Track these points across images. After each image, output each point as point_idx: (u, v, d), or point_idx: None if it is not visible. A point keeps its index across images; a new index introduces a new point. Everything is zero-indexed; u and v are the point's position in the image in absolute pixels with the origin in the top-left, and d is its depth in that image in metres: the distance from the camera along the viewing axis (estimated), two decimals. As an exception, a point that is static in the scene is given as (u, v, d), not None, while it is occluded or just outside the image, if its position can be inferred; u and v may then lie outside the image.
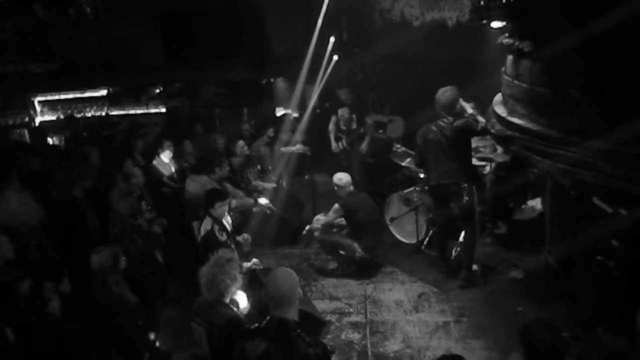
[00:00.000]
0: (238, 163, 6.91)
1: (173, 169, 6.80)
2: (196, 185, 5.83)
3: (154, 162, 6.78)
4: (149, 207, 5.35)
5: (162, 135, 7.67)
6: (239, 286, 3.48)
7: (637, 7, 2.86)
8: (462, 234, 5.92)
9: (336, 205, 5.72)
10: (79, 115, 9.60)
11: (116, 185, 5.22)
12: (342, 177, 5.82)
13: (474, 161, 6.28)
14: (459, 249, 5.87)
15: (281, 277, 2.81)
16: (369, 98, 8.53)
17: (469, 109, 5.12)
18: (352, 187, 5.83)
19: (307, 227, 5.94)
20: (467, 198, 5.15)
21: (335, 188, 5.81)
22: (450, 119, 5.09)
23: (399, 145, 7.22)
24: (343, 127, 7.57)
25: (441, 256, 5.73)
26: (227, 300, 3.35)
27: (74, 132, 8.47)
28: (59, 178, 5.60)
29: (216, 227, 4.72)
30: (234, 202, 5.72)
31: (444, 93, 5.13)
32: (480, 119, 4.94)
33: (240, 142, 7.03)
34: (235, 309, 3.41)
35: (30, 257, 4.34)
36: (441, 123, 5.12)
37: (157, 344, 4.16)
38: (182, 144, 7.21)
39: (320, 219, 6.02)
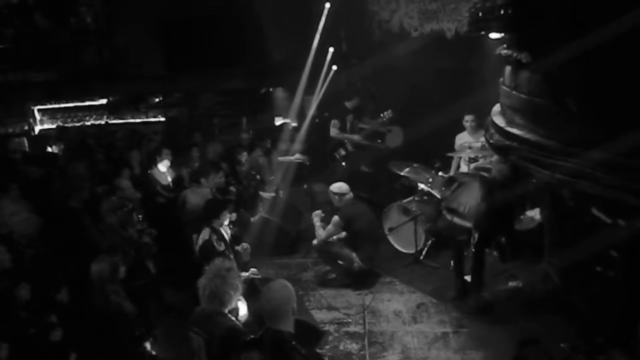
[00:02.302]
0: (243, 172, 6.93)
1: (169, 179, 6.79)
2: (197, 197, 5.82)
3: (151, 171, 6.78)
4: (140, 218, 5.34)
5: (162, 144, 7.68)
6: (240, 295, 3.46)
7: (634, 19, 2.88)
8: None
9: (335, 218, 5.68)
10: (78, 124, 9.63)
11: (106, 197, 5.22)
12: (341, 186, 5.80)
13: (472, 169, 6.32)
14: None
15: (275, 290, 2.79)
16: (368, 108, 8.56)
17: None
18: (351, 195, 5.82)
19: (314, 242, 5.91)
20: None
21: (336, 197, 5.78)
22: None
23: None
24: (350, 135, 7.59)
25: (458, 272, 5.51)
26: (227, 310, 3.33)
27: (67, 142, 8.48)
28: (57, 187, 5.61)
29: (214, 237, 4.71)
30: (233, 215, 5.72)
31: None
32: None
33: (244, 152, 7.10)
34: (234, 319, 3.39)
35: (27, 266, 4.32)
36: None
37: (154, 353, 4.13)
38: (186, 151, 7.24)
39: (319, 213, 5.99)
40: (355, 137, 7.56)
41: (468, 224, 5.23)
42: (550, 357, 2.75)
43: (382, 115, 7.53)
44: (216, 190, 6.26)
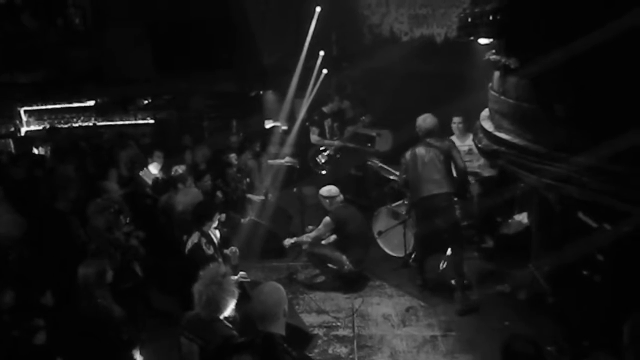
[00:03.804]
0: (232, 175, 6.89)
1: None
2: (187, 198, 5.77)
3: (141, 173, 6.72)
4: (127, 220, 5.29)
5: (153, 146, 7.63)
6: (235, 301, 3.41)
7: (620, 26, 2.92)
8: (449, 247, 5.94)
9: (327, 219, 5.69)
10: (65, 126, 9.54)
11: (92, 199, 5.16)
12: (330, 189, 5.81)
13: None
14: (446, 262, 5.88)
15: (266, 292, 2.78)
16: (357, 112, 8.58)
17: None
18: (341, 197, 5.82)
19: (294, 240, 5.91)
20: (459, 211, 5.28)
21: (327, 201, 5.78)
22: (437, 140, 5.31)
23: (376, 161, 7.25)
24: (329, 140, 7.56)
25: (420, 270, 5.71)
26: (222, 316, 3.28)
27: (56, 143, 8.39)
28: (44, 189, 5.53)
29: (203, 241, 4.67)
30: (223, 216, 5.69)
31: (425, 120, 5.37)
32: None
33: (233, 155, 7.07)
34: (229, 325, 3.33)
35: (10, 269, 4.26)
36: (431, 142, 5.29)
37: (142, 358, 4.08)
38: (176, 153, 7.20)
39: (311, 229, 5.99)
40: (336, 142, 7.52)
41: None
42: (536, 347, 2.78)
43: (361, 119, 7.57)
44: (202, 193, 6.22)
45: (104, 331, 3.72)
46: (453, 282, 5.48)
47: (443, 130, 6.73)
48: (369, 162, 7.21)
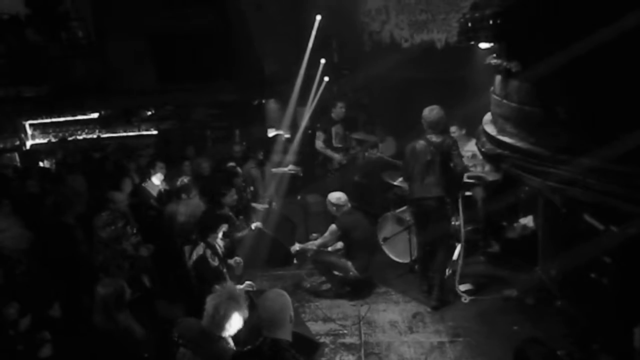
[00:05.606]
0: (237, 184, 6.91)
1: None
2: (188, 209, 5.78)
3: (144, 184, 6.75)
4: (134, 231, 5.30)
5: (155, 157, 7.66)
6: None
7: (620, 28, 2.93)
8: (456, 251, 5.91)
9: (333, 226, 5.67)
10: (70, 138, 9.61)
11: (99, 211, 5.16)
12: (339, 197, 5.78)
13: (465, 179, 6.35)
14: (451, 269, 5.85)
15: (271, 298, 2.79)
16: (360, 118, 8.60)
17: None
18: (349, 205, 5.81)
19: (298, 247, 5.90)
20: (455, 219, 5.27)
21: (334, 208, 5.76)
22: (439, 136, 5.20)
23: (374, 151, 7.33)
24: (338, 145, 7.52)
25: (423, 275, 5.69)
26: (225, 334, 3.22)
27: (65, 155, 8.44)
28: (50, 203, 5.56)
29: (208, 252, 4.67)
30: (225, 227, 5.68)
31: (431, 111, 5.26)
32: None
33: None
34: (230, 342, 3.26)
35: (17, 282, 4.28)
36: (430, 139, 5.22)
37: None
38: (178, 164, 7.22)
39: (315, 237, 5.98)
40: (336, 156, 7.38)
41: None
42: (548, 354, 2.75)
43: (376, 135, 7.62)
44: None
45: (123, 351, 3.66)
46: (461, 287, 5.46)
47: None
48: (368, 154, 7.24)
